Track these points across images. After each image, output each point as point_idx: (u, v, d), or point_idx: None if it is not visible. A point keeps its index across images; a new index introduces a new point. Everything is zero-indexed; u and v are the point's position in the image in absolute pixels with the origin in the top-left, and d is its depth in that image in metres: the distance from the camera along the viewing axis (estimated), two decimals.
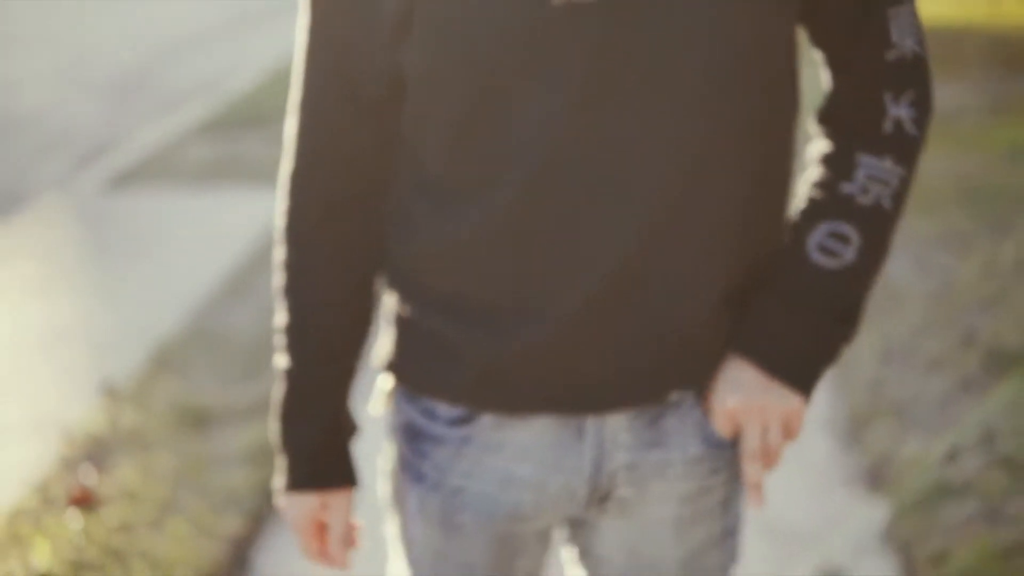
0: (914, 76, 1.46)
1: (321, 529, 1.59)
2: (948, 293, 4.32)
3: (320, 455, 1.56)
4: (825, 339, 1.48)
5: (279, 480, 1.58)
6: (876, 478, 3.29)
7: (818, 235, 1.46)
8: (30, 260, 5.52)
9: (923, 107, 1.46)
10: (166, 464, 3.41)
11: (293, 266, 1.53)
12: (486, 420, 1.51)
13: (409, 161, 1.47)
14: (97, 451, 3.52)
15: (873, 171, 1.46)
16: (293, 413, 1.56)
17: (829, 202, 1.46)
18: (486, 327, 1.46)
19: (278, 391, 1.56)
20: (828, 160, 1.49)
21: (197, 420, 3.66)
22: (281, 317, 1.54)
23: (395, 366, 1.56)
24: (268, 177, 6.61)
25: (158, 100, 9.43)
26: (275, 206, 1.56)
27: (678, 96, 1.35)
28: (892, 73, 1.45)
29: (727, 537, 1.63)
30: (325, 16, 1.44)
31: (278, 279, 1.54)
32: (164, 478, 3.33)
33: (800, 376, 1.47)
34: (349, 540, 1.60)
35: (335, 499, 1.57)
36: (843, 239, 1.45)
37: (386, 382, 1.60)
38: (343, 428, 1.58)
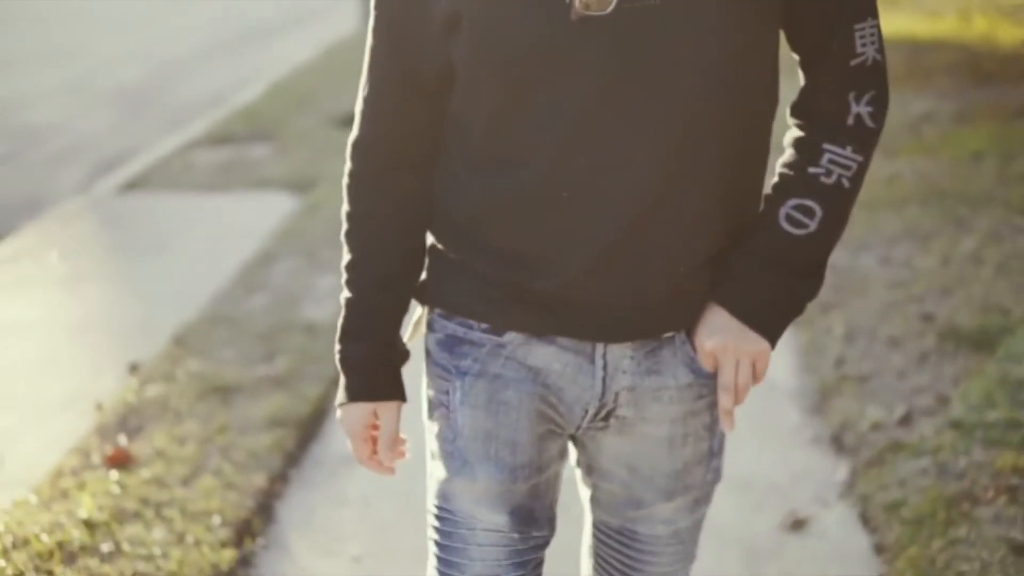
0: (874, 79, 1.72)
1: (372, 438, 1.85)
2: (909, 281, 4.66)
3: (374, 370, 1.82)
4: (789, 294, 1.75)
5: (338, 396, 1.84)
6: (839, 441, 3.63)
7: (787, 208, 1.73)
8: (56, 255, 5.86)
9: (880, 104, 1.73)
10: (194, 431, 3.74)
11: (354, 216, 1.81)
12: (515, 336, 1.78)
13: (457, 135, 1.74)
14: (130, 420, 3.85)
15: (836, 157, 1.72)
16: (351, 334, 1.82)
17: (798, 181, 1.73)
18: (516, 268, 1.73)
19: (340, 319, 1.83)
20: (799, 146, 1.75)
21: (220, 393, 3.99)
22: (345, 257, 1.82)
23: (435, 294, 1.83)
24: (273, 182, 6.95)
25: (166, 113, 9.75)
26: (341, 171, 1.85)
27: (676, 93, 1.61)
28: (856, 76, 1.71)
29: (712, 457, 1.90)
30: (389, 12, 1.72)
31: (344, 226, 1.82)
32: (192, 442, 3.67)
33: (767, 323, 1.75)
34: (396, 447, 1.85)
35: (385, 410, 1.83)
36: (808, 212, 1.72)
37: (421, 312, 1.88)
38: (395, 350, 1.84)
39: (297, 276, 5.16)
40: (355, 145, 1.81)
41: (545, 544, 1.87)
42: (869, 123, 1.73)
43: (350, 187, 1.83)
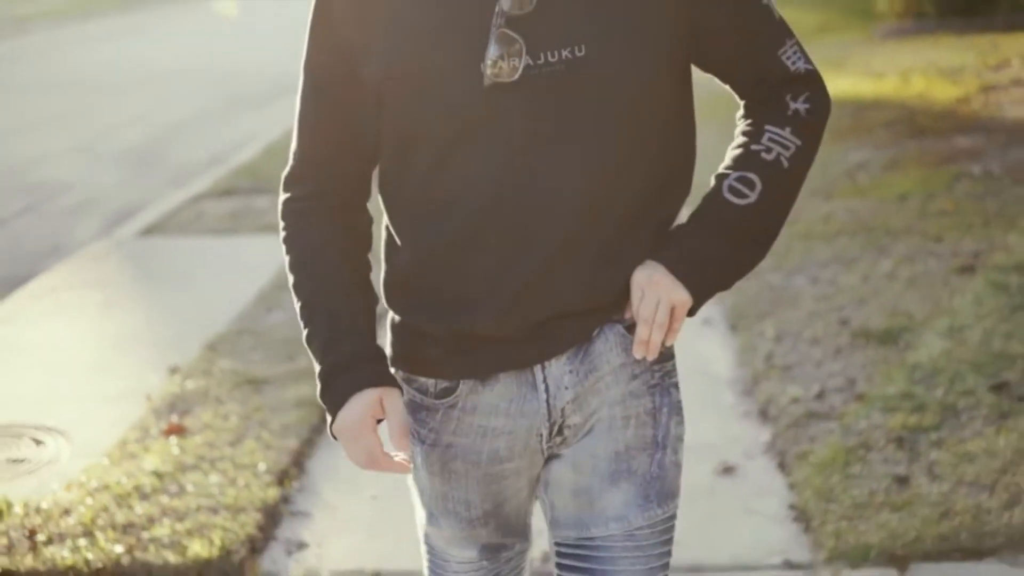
0: (807, 83, 1.91)
1: (375, 431, 1.87)
2: (832, 295, 5.48)
3: (372, 361, 1.90)
4: (721, 259, 1.87)
5: (331, 413, 1.88)
6: (764, 413, 4.42)
7: (730, 180, 1.86)
8: (90, 287, 6.64)
9: (817, 102, 1.90)
10: (234, 410, 4.52)
11: (292, 237, 1.95)
12: (463, 388, 1.91)
13: (390, 191, 1.90)
14: (177, 405, 4.62)
15: (775, 136, 1.87)
16: (332, 343, 1.88)
17: (741, 156, 1.88)
18: (453, 314, 1.87)
19: (311, 339, 1.91)
20: (744, 131, 1.91)
21: (252, 384, 4.77)
22: (292, 283, 1.94)
23: (394, 358, 1.97)
24: (273, 228, 7.74)
25: (169, 172, 10.51)
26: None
27: (586, 143, 1.79)
28: (790, 83, 1.90)
29: (656, 448, 1.96)
30: (319, 79, 1.90)
31: (284, 252, 1.95)
32: (234, 417, 4.44)
33: (693, 279, 1.85)
34: (406, 433, 1.88)
35: (391, 395, 1.88)
36: (749, 184, 1.85)
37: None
38: (379, 348, 1.92)
39: None
40: (287, 179, 1.99)
41: (522, 554, 2.09)
42: (806, 116, 1.89)
43: (285, 214, 1.97)
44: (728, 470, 4.02)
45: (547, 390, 1.90)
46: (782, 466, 4.03)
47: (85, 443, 4.39)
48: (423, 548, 2.09)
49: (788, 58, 1.90)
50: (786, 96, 1.90)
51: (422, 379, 1.95)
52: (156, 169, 10.70)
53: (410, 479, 2.05)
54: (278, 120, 12.45)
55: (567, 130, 1.78)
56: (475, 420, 1.93)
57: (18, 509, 3.82)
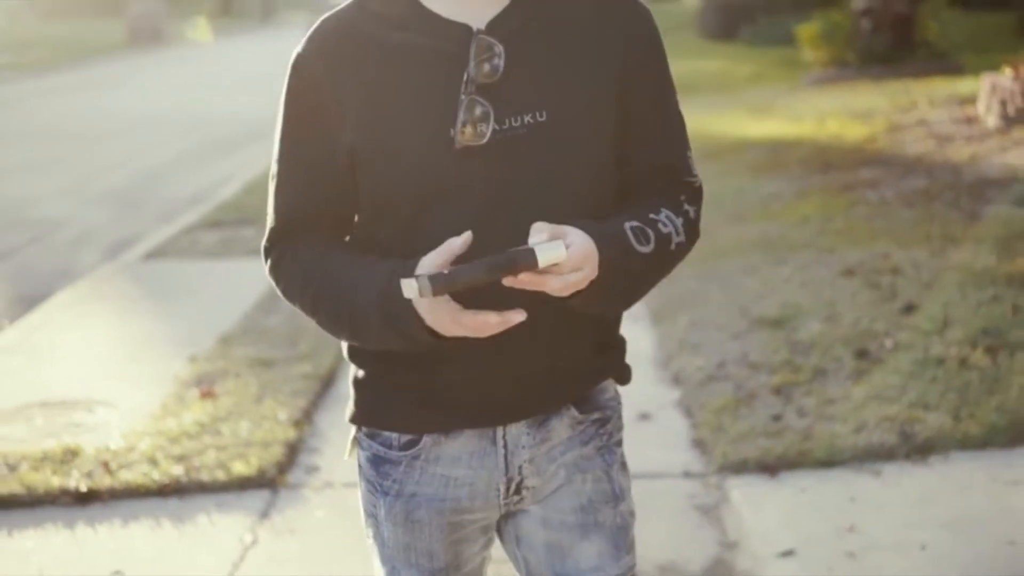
0: (699, 197, 2.05)
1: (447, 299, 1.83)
2: (737, 295, 6.63)
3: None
4: (627, 267, 1.89)
5: (424, 334, 1.85)
6: (676, 379, 5.54)
7: (634, 223, 1.92)
8: (106, 300, 7.71)
9: (699, 216, 2.03)
10: (251, 381, 5.60)
11: (285, 277, 2.01)
12: (427, 440, 2.02)
13: (367, 249, 1.96)
14: (203, 380, 5.69)
15: (672, 219, 1.96)
16: (372, 270, 1.90)
17: (641, 214, 1.94)
18: (422, 370, 1.97)
19: (354, 322, 1.92)
20: (641, 203, 1.98)
21: (263, 363, 5.85)
22: (309, 309, 1.99)
23: (358, 415, 2.08)
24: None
25: (156, 210, 11.53)
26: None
27: (547, 201, 1.88)
28: (688, 189, 2.03)
29: (616, 500, 2.12)
30: (295, 144, 1.96)
31: (291, 300, 2.02)
32: (253, 386, 5.52)
33: (609, 269, 1.85)
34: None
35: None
36: (646, 239, 1.91)
37: (352, 432, 2.13)
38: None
39: None
40: (268, 244, 2.03)
41: None
42: (693, 219, 2.02)
43: (274, 269, 2.02)
44: (645, 416, 5.14)
45: (505, 447, 2.04)
46: (687, 413, 5.15)
47: (131, 409, 5.44)
48: None
49: (690, 163, 2.05)
50: (680, 196, 2.02)
51: (386, 433, 2.06)
52: (143, 207, 11.73)
53: (369, 541, 2.16)
54: (252, 162, 13.53)
55: (530, 189, 1.89)
56: (438, 470, 2.05)
57: (89, 451, 4.88)
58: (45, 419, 5.41)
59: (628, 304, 2.01)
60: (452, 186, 1.89)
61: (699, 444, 4.82)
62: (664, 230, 1.95)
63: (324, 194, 1.97)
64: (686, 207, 2.01)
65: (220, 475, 4.57)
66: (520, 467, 2.05)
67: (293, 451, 4.84)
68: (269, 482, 4.56)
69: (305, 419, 5.17)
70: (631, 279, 1.93)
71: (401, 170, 1.90)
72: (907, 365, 5.21)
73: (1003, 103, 10.51)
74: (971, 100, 11.71)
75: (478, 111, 1.86)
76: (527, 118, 1.89)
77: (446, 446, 2.04)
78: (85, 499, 4.50)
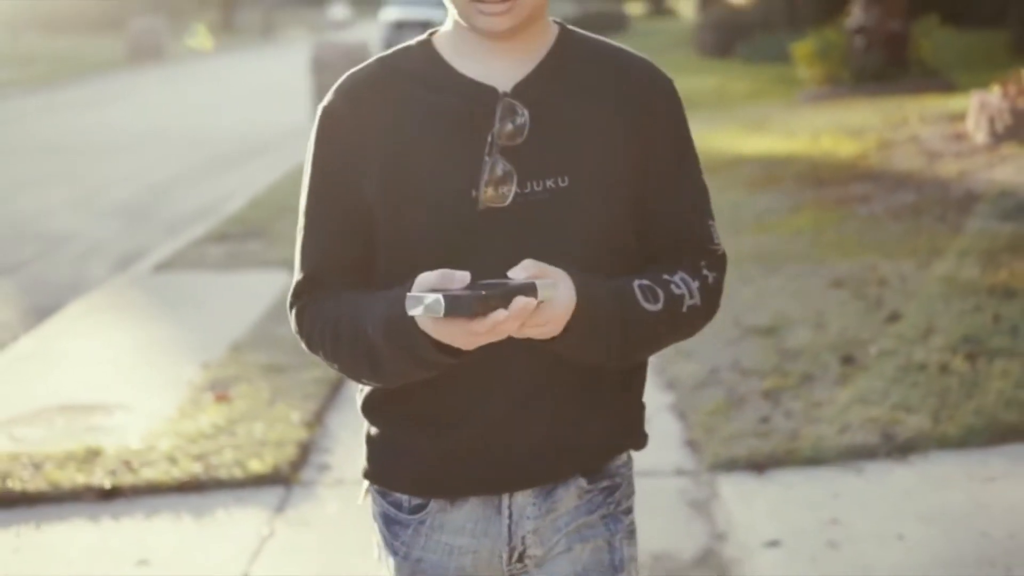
0: (721, 265, 2.04)
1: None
2: (730, 304, 6.87)
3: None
4: (603, 332, 1.87)
5: (433, 352, 1.81)
6: (671, 385, 5.79)
7: (641, 281, 1.92)
8: (119, 310, 7.96)
9: (721, 282, 2.03)
10: (264, 386, 5.84)
11: (309, 324, 1.99)
12: (434, 506, 2.03)
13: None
14: (217, 385, 5.93)
15: (687, 282, 1.96)
16: (372, 304, 1.88)
17: (653, 275, 1.95)
18: (429, 435, 1.99)
19: (370, 354, 1.88)
20: (657, 268, 1.98)
21: (274, 369, 6.09)
22: (331, 356, 1.96)
23: (370, 472, 2.09)
24: (273, 263, 9.05)
25: (163, 224, 11.78)
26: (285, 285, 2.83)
27: (559, 265, 1.82)
28: (709, 256, 2.02)
29: (616, 572, 2.11)
30: (320, 199, 1.99)
31: (315, 349, 2.00)
32: (265, 391, 5.76)
33: (578, 324, 1.82)
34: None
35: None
36: (654, 297, 1.90)
37: (365, 485, 2.14)
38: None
39: None
40: (295, 294, 2.01)
41: None
42: (712, 284, 2.02)
43: (299, 317, 2.01)
44: None
45: (510, 516, 2.04)
46: (680, 415, 5.39)
47: (148, 412, 5.68)
48: None
49: (712, 232, 2.04)
50: (701, 262, 2.01)
51: (396, 494, 2.07)
52: (149, 221, 11.99)
53: None
54: (255, 178, 13.79)
55: (548, 253, 1.85)
56: (442, 537, 2.06)
57: (110, 451, 5.12)
58: (65, 422, 5.65)
59: (631, 359, 2.00)
60: (471, 245, 1.89)
61: (691, 444, 5.06)
62: (676, 291, 1.94)
63: (349, 247, 1.98)
64: (705, 272, 2.01)
65: (237, 472, 4.81)
66: (523, 537, 2.06)
67: (305, 450, 5.08)
68: (283, 479, 4.80)
69: (316, 421, 5.41)
70: (635, 335, 1.91)
71: (422, 227, 1.92)
72: (890, 370, 5.46)
73: (991, 120, 10.77)
74: (961, 117, 11.98)
75: (501, 173, 1.89)
76: (549, 183, 1.91)
77: (451, 514, 2.05)
78: (108, 495, 4.73)
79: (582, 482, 2.06)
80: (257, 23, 56.51)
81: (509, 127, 1.90)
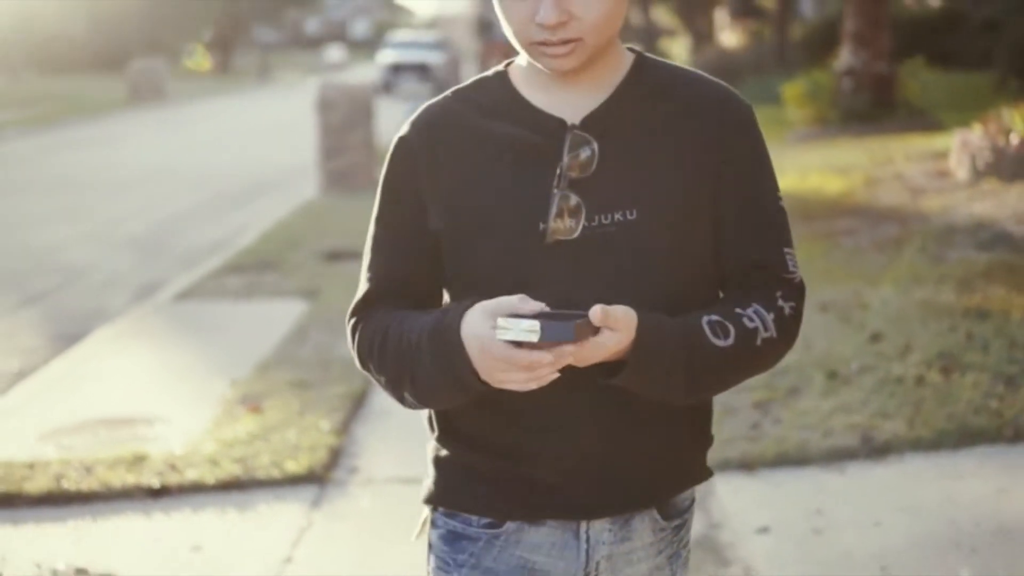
0: (799, 295, 2.01)
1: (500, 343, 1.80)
2: None
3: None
4: (670, 369, 1.87)
5: (468, 373, 1.84)
6: None
7: (712, 317, 1.91)
8: (145, 336, 8.43)
9: (800, 313, 1.99)
10: (293, 399, 6.30)
11: (364, 337, 2.01)
12: (511, 526, 2.03)
13: None
14: (248, 399, 6.39)
15: (761, 314, 1.94)
16: (416, 330, 1.92)
17: (725, 309, 1.94)
18: (512, 461, 1.99)
19: (414, 366, 1.91)
20: (731, 298, 1.98)
21: (301, 385, 6.55)
22: (380, 366, 1.98)
23: (437, 496, 2.07)
24: (289, 293, 9.51)
25: (177, 257, 12.24)
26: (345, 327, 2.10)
27: (630, 298, 1.85)
28: (786, 285, 1.99)
29: None
30: (388, 228, 2.03)
31: (365, 362, 2.01)
32: (295, 403, 6.23)
33: (638, 359, 1.84)
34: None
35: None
36: (725, 332, 1.89)
37: (425, 513, 2.11)
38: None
39: (328, 337, 7.72)
40: (356, 308, 2.05)
41: None
42: (789, 316, 1.97)
43: (353, 336, 2.04)
44: None
45: (588, 540, 2.05)
46: None
47: (186, 423, 6.14)
48: None
49: (790, 259, 2.01)
50: (776, 292, 1.98)
51: (466, 514, 2.06)
52: (164, 254, 12.45)
53: None
54: (265, 214, 14.28)
55: (615, 286, 1.89)
56: (518, 552, 2.04)
57: (156, 456, 5.57)
58: (108, 432, 6.10)
59: (702, 394, 2.01)
60: (538, 277, 1.90)
61: None
62: (749, 324, 1.93)
63: (410, 272, 2.01)
64: (780, 303, 1.98)
65: (274, 472, 5.27)
66: (598, 563, 2.07)
67: (336, 455, 5.54)
68: (318, 478, 5.26)
69: (343, 429, 5.87)
70: (703, 370, 1.91)
71: (489, 258, 1.93)
72: (870, 383, 5.94)
73: (973, 157, 11.29)
74: (944, 155, 12.50)
75: (571, 206, 1.89)
76: (617, 216, 1.91)
77: (529, 533, 2.04)
78: (157, 494, 5.19)
79: (656, 516, 2.08)
80: (253, 65, 57.16)
81: (578, 159, 1.92)
